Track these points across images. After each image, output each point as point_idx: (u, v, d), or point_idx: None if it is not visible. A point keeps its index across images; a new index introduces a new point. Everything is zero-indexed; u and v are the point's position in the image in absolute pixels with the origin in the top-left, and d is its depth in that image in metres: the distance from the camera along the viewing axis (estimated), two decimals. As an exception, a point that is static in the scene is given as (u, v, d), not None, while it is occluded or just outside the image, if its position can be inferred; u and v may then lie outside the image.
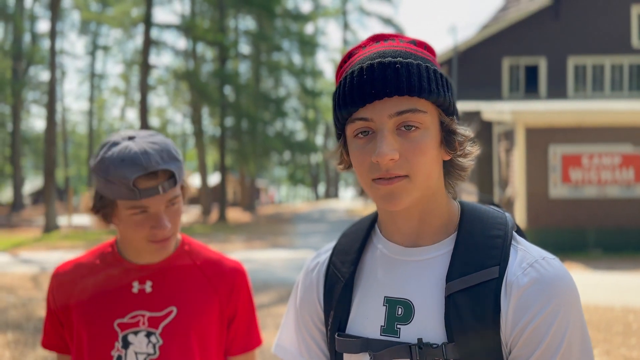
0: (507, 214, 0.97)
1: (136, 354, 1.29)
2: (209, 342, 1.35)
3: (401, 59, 0.86)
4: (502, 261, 0.88)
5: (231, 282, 1.39)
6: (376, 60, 0.86)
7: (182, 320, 1.31)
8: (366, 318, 0.95)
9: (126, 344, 1.29)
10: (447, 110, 0.89)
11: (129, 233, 1.28)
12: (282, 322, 1.12)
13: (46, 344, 1.40)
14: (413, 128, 0.85)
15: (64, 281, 1.36)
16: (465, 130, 0.91)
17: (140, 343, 1.29)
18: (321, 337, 1.06)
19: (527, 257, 0.89)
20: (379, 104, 0.85)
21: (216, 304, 1.36)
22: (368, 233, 1.03)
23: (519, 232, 1.00)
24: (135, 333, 1.29)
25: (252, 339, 1.44)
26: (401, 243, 0.96)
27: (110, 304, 1.31)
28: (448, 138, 0.90)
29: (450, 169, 0.94)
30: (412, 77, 0.85)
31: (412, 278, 0.92)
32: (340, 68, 0.95)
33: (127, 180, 1.20)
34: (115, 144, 1.26)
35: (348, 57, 0.94)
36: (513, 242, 0.92)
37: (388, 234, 0.98)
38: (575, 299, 0.86)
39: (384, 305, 0.93)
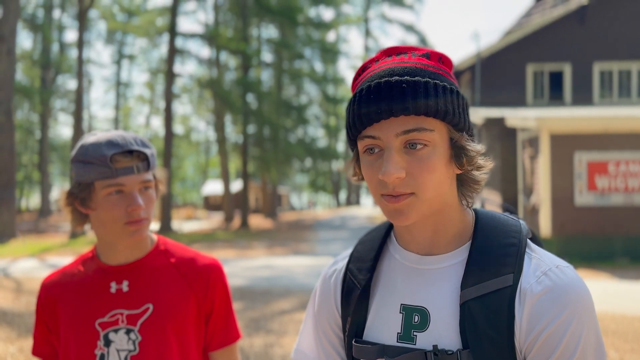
0: (521, 222, 0.98)
1: (118, 351, 1.33)
2: (187, 338, 1.39)
3: (408, 77, 0.86)
4: (516, 269, 0.89)
5: (206, 278, 1.42)
6: (384, 80, 0.87)
7: (158, 316, 1.35)
8: (383, 325, 0.96)
9: (108, 342, 1.34)
10: (457, 126, 0.89)
11: (106, 216, 1.32)
12: (301, 328, 1.14)
13: (36, 352, 1.45)
14: (420, 146, 0.86)
15: (51, 290, 1.42)
16: (475, 146, 0.92)
17: (120, 340, 1.34)
18: (339, 343, 1.07)
19: (541, 265, 0.90)
20: (386, 123, 0.86)
21: (192, 300, 1.40)
22: (384, 241, 1.04)
23: (534, 239, 1.01)
24: (116, 331, 1.34)
25: (231, 334, 1.47)
26: (417, 252, 0.97)
27: (91, 305, 1.37)
28: (458, 154, 0.90)
29: (464, 182, 0.95)
30: (419, 96, 0.85)
31: (427, 286, 0.94)
32: (354, 81, 0.96)
33: (104, 158, 1.28)
34: (92, 135, 1.37)
35: (362, 70, 0.95)
36: (527, 250, 0.93)
37: (404, 243, 0.99)
38: (589, 307, 0.87)
39: (400, 312, 0.95)
